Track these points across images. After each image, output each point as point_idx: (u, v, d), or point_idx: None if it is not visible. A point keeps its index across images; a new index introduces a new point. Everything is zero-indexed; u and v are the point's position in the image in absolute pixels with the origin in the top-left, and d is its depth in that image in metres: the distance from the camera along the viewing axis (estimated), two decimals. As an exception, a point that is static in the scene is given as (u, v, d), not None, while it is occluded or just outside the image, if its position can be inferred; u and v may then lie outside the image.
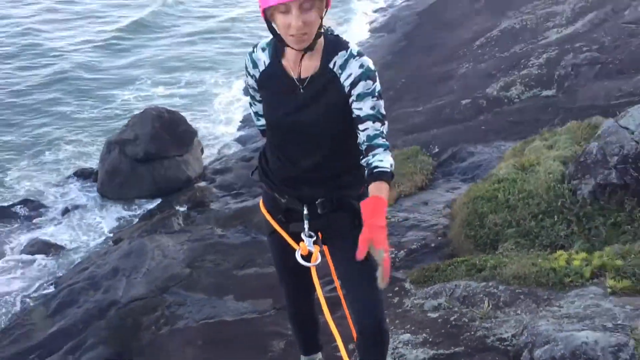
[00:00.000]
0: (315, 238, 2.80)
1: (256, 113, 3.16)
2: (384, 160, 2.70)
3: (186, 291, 8.78)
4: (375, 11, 23.90)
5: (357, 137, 2.80)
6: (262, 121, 3.16)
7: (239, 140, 15.40)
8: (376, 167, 2.68)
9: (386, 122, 2.78)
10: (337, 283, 2.76)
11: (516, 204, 7.59)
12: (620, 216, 6.96)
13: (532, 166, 8.17)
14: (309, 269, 2.84)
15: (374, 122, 2.74)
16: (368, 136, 2.73)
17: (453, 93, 13.80)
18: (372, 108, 2.74)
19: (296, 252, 2.80)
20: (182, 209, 11.87)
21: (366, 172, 2.73)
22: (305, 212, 2.87)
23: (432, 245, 8.09)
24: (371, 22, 22.46)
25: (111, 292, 9.07)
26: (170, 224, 11.10)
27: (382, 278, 2.55)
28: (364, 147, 2.76)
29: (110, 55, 21.19)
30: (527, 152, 8.78)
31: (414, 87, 15.05)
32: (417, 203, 9.29)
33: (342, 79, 2.77)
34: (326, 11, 2.71)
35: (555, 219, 7.20)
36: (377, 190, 2.64)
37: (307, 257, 2.80)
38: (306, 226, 2.85)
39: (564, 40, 14.07)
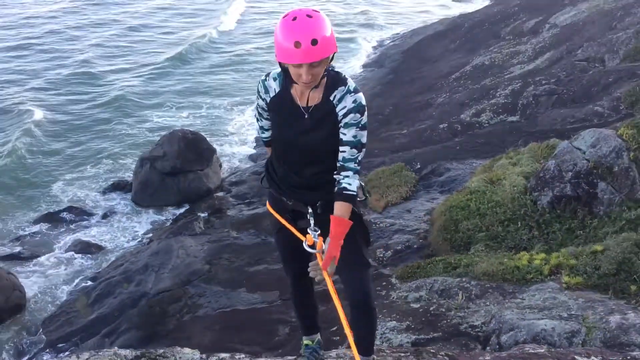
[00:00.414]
0: (319, 232, 2.84)
1: (262, 127, 3.20)
2: (352, 184, 2.82)
3: (206, 284, 8.77)
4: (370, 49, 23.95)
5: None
6: (267, 134, 3.19)
7: (251, 157, 15.41)
8: (345, 188, 2.81)
9: (363, 150, 2.85)
10: (326, 276, 2.78)
11: (486, 212, 7.59)
12: (573, 223, 6.95)
13: (499, 180, 8.17)
14: (310, 260, 2.87)
15: (351, 148, 2.82)
16: (344, 157, 2.83)
17: (432, 118, 13.81)
18: (354, 137, 2.82)
19: (303, 243, 2.84)
20: (203, 214, 11.85)
21: (335, 187, 2.84)
22: (310, 210, 2.92)
23: (415, 246, 8.12)
24: (365, 57, 22.55)
25: (142, 285, 9.06)
26: (193, 228, 11.09)
27: (316, 271, 2.79)
28: (338, 164, 2.86)
29: (149, 81, 21.25)
30: (495, 168, 8.78)
31: (399, 112, 15.06)
32: (402, 211, 9.28)
33: (337, 110, 2.83)
34: (332, 60, 2.76)
35: (519, 225, 7.19)
36: (343, 210, 2.80)
37: (312, 246, 2.85)
38: (312, 222, 2.90)
39: (527, 74, 14.10)
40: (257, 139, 16.01)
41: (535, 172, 7.86)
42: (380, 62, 21.13)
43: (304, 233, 2.92)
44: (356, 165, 2.83)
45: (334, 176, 2.86)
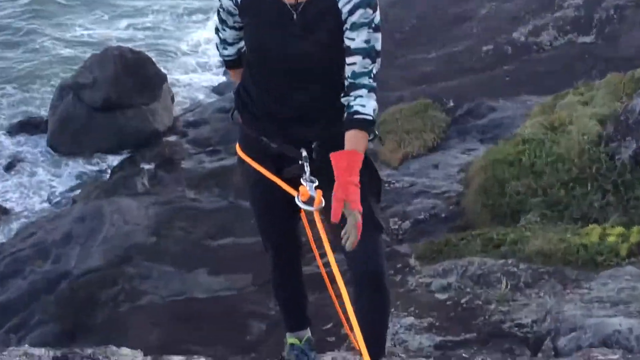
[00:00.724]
0: (317, 183, 2.82)
1: (224, 41, 3.18)
2: (366, 105, 2.77)
3: (151, 262, 8.81)
4: None
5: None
6: (230, 50, 3.19)
7: (216, 89, 15.31)
8: (357, 112, 2.75)
9: (378, 60, 2.82)
10: (324, 236, 2.76)
11: (543, 170, 7.61)
12: (665, 186, 7.00)
13: (563, 125, 8.17)
14: (299, 227, 2.88)
15: (363, 58, 2.78)
16: (353, 72, 2.79)
17: (472, 37, 13.73)
18: (366, 41, 2.78)
19: (296, 198, 2.81)
20: (148, 166, 11.85)
21: (345, 114, 2.80)
22: (305, 154, 2.90)
23: (443, 215, 8.13)
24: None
25: (62, 262, 9.10)
26: (133, 184, 11.09)
27: (352, 242, 2.66)
28: (347, 83, 2.81)
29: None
30: (558, 108, 8.78)
31: (425, 29, 14.95)
32: (427, 166, 9.30)
33: (340, 4, 2.78)
34: None
35: (589, 188, 7.23)
36: (354, 141, 2.73)
37: (307, 203, 2.82)
38: (307, 170, 2.87)
39: (607, -25, 13.99)
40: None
41: (615, 114, 7.87)
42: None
43: (295, 186, 2.90)
44: (371, 80, 2.80)
45: (342, 99, 2.83)
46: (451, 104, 10.92)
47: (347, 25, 2.79)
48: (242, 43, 3.19)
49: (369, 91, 2.79)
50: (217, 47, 3.28)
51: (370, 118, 2.77)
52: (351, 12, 2.77)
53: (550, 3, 13.65)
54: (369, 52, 2.78)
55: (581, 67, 11.05)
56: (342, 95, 2.85)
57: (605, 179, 7.28)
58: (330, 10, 2.79)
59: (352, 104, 2.78)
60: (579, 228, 6.54)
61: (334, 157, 2.72)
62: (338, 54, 2.83)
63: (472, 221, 7.67)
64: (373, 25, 2.78)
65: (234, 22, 3.04)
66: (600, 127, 7.86)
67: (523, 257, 6.11)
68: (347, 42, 2.80)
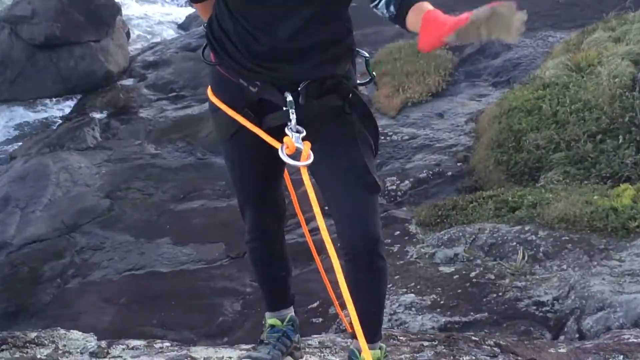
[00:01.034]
0: (304, 133, 2.80)
1: None
2: None
3: (104, 231, 8.82)
4: None
5: None
6: None
7: (182, 25, 15.23)
8: None
9: None
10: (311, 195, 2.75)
11: (567, 119, 7.62)
12: None
13: (591, 66, 8.17)
14: (281, 186, 2.87)
15: None
16: None
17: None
18: None
19: (280, 150, 2.79)
20: (100, 116, 11.79)
21: (393, 4, 2.71)
22: (290, 99, 2.87)
23: (449, 173, 8.17)
24: None
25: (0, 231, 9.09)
26: (83, 137, 11.03)
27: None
28: None
29: None
30: (585, 46, 8.76)
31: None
32: (430, 114, 9.30)
33: None
34: None
35: (621, 141, 7.25)
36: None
37: (293, 157, 2.80)
38: (293, 118, 2.85)
39: None
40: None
41: (652, 53, 7.87)
42: None
43: (278, 137, 2.88)
44: None
45: (377, 3, 2.76)
46: (459, 40, 10.88)
47: None
48: None
49: None
50: None
51: None
52: None
53: None
54: None
55: (612, -4, 11.02)
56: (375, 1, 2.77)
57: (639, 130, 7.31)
58: None
59: None
60: (608, 189, 6.57)
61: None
62: None
63: (483, 180, 7.69)
64: None
65: None
66: (634, 69, 7.87)
67: (543, 223, 6.13)
68: None
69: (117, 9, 13.73)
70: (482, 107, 9.02)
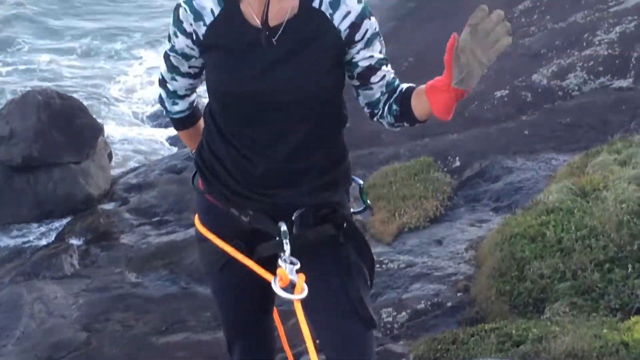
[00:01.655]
0: (298, 265, 2.83)
1: (173, 94, 3.21)
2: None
3: (81, 366, 8.73)
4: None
5: (364, 97, 3.06)
6: (180, 105, 3.24)
7: (166, 142, 15.37)
8: (409, 85, 3.04)
9: None
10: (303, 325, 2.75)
11: (573, 247, 7.62)
12: None
13: (596, 191, 8.23)
14: (271, 320, 2.89)
15: (386, 66, 3.03)
16: (387, 83, 3.03)
17: (483, 80, 13.77)
18: (381, 52, 3.02)
19: (273, 282, 2.81)
20: (78, 242, 11.78)
21: (395, 106, 2.99)
22: (284, 229, 2.91)
23: (448, 304, 8.11)
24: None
25: (-33, 366, 9.00)
26: (60, 265, 11.01)
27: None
28: (383, 98, 3.04)
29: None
30: (590, 169, 8.84)
31: (426, 69, 14.94)
32: (428, 241, 9.32)
33: (335, 21, 2.88)
34: None
35: (630, 270, 7.24)
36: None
37: (286, 290, 2.84)
38: (287, 248, 2.88)
39: (647, 7, 14.24)
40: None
41: (659, 177, 7.94)
42: (393, -21, 21.24)
43: (270, 267, 2.90)
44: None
45: (383, 110, 3.05)
46: (458, 163, 10.98)
47: (360, 45, 2.94)
48: (195, 95, 3.23)
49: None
50: (163, 103, 3.30)
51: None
52: (355, 27, 2.90)
53: (577, 39, 13.87)
54: (387, 59, 3.05)
55: (617, 118, 11.17)
56: (375, 112, 3.09)
57: (649, 258, 7.32)
58: (322, 30, 2.88)
59: (397, 93, 3.04)
60: (618, 321, 6.53)
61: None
62: (334, 83, 2.95)
63: (485, 312, 7.65)
64: (379, 32, 3.01)
65: (190, 67, 3.08)
66: (642, 193, 7.93)
67: (549, 358, 6.09)
68: (365, 62, 2.97)
69: (100, 130, 13.84)
70: (483, 234, 9.04)
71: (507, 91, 13.13)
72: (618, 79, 12.64)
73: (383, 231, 9.56)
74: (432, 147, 11.63)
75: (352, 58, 2.94)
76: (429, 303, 8.10)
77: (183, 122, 3.31)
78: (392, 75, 3.02)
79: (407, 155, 11.37)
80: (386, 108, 2.98)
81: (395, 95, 2.97)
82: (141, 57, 19.22)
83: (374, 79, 2.96)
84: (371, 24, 2.93)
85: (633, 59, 12.77)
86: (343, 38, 2.88)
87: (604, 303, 7.08)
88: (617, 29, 13.57)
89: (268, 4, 2.82)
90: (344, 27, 2.86)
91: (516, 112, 12.56)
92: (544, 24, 15.47)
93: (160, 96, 3.28)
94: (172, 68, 3.10)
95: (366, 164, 10.82)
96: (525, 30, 15.47)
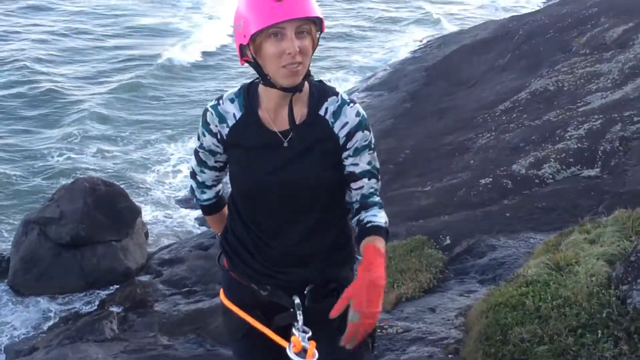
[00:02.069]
0: (309, 334, 2.86)
1: (202, 184, 3.25)
2: (378, 215, 2.96)
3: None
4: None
5: (347, 195, 3.05)
6: (208, 194, 3.27)
7: (195, 223, 15.39)
8: (370, 221, 2.93)
9: (379, 178, 3.06)
10: None
11: (549, 314, 7.56)
12: (682, 333, 6.96)
13: (569, 266, 8.19)
14: None
15: (369, 179, 2.99)
16: (362, 195, 2.99)
17: (470, 170, 13.93)
18: (369, 163, 2.98)
19: (287, 349, 2.83)
20: (118, 309, 11.74)
21: (357, 229, 2.95)
22: (297, 301, 2.95)
23: (441, 365, 8.06)
24: (368, 78, 22.87)
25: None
26: (101, 329, 10.96)
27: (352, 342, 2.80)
28: (356, 205, 2.99)
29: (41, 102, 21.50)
30: (564, 247, 8.81)
31: (420, 160, 15.19)
32: (423, 309, 9.25)
33: (336, 129, 2.93)
34: (315, 48, 2.86)
35: (600, 335, 7.17)
36: (376, 244, 2.86)
37: (299, 354, 2.86)
38: (300, 319, 2.92)
39: (611, 107, 14.32)
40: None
41: (624, 254, 7.91)
42: (392, 83, 21.47)
43: (285, 334, 2.91)
44: (379, 198, 3.02)
45: (354, 219, 2.99)
46: (448, 241, 10.96)
47: (349, 152, 2.95)
48: (220, 186, 3.27)
49: (379, 208, 2.99)
50: (194, 193, 3.33)
51: (384, 226, 2.93)
52: (350, 136, 2.93)
53: (551, 134, 13.94)
54: (373, 173, 2.99)
55: (586, 203, 11.16)
56: (350, 217, 3.02)
57: (617, 325, 7.23)
58: (325, 135, 2.92)
59: (363, 217, 2.95)
60: (590, 380, 6.47)
61: (369, 249, 2.84)
62: (336, 179, 2.96)
63: (474, 372, 7.58)
64: (372, 146, 2.98)
65: (216, 162, 3.12)
66: (609, 268, 7.87)
67: (530, 413, 6.01)
68: (350, 168, 2.97)
69: (138, 212, 13.92)
70: (471, 303, 8.98)
71: (490, 179, 13.15)
72: (587, 169, 12.67)
73: (384, 300, 9.49)
74: (426, 227, 11.61)
75: (343, 161, 2.97)
76: (424, 364, 8.05)
77: (210, 209, 3.34)
78: (371, 190, 2.99)
79: (405, 234, 11.36)
80: (355, 219, 3.01)
81: (361, 218, 2.97)
82: (172, 149, 19.35)
83: (353, 185, 2.98)
84: (363, 136, 2.94)
85: (599, 152, 12.82)
86: (340, 143, 2.92)
87: (577, 364, 7.01)
88: (585, 126, 13.65)
89: (291, 110, 2.88)
90: (342, 134, 2.91)
91: (499, 197, 12.57)
92: (521, 121, 15.57)
93: (191, 187, 3.34)
94: (200, 162, 3.15)
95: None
96: (506, 126, 15.57)
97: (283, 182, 2.94)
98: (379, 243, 2.86)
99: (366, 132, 2.96)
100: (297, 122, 2.91)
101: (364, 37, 28.21)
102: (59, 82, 23.18)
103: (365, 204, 2.98)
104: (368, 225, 2.92)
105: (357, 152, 2.94)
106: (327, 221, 2.98)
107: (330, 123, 2.92)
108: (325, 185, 2.95)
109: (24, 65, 24.15)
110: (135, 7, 32.34)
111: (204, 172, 3.17)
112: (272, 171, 2.94)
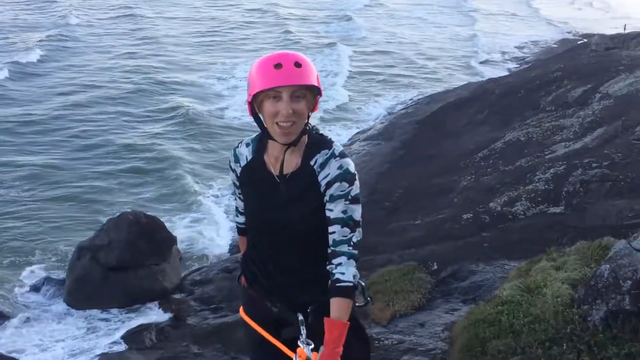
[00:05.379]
0: (312, 345, 2.86)
1: (236, 209, 3.32)
2: (346, 272, 2.84)
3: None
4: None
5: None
6: (240, 218, 3.31)
7: (222, 249, 15.38)
8: (338, 280, 2.84)
9: (358, 230, 2.91)
10: None
11: (521, 329, 7.50)
12: (635, 346, 6.88)
13: (538, 288, 8.14)
14: None
15: (342, 227, 2.88)
16: (334, 240, 2.88)
17: (454, 207, 13.91)
18: (344, 212, 2.89)
19: (294, 358, 2.84)
20: (156, 322, 11.70)
21: (329, 282, 2.87)
22: (301, 318, 2.95)
23: (430, 372, 7.99)
24: (367, 130, 22.94)
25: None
26: (142, 339, 10.93)
27: None
28: (329, 251, 2.90)
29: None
30: (533, 272, 8.77)
31: (412, 199, 15.18)
32: (414, 324, 9.20)
33: (320, 178, 2.93)
34: (313, 110, 2.89)
35: (565, 347, 7.10)
36: (340, 310, 2.79)
37: None
38: (304, 333, 2.92)
39: (573, 154, 14.34)
40: (231, 228, 16.07)
41: (585, 279, 7.86)
42: (388, 134, 21.50)
43: (291, 347, 2.92)
44: (350, 248, 2.88)
45: (327, 267, 2.90)
46: (435, 266, 10.92)
47: (327, 198, 2.90)
48: None
49: (348, 258, 2.86)
50: (235, 213, 3.39)
51: (351, 284, 2.83)
52: (328, 185, 2.90)
53: (522, 177, 13.94)
54: (346, 222, 2.87)
55: (552, 235, 11.12)
56: (326, 263, 2.91)
57: (579, 339, 7.17)
58: (311, 182, 2.93)
59: (333, 271, 2.85)
60: (556, 387, 6.40)
61: (329, 323, 2.77)
62: (320, 222, 2.93)
63: (457, 378, 7.51)
64: (350, 197, 2.89)
65: (239, 194, 3.17)
66: (572, 291, 7.82)
67: (505, 414, 5.94)
68: (327, 213, 2.90)
69: (174, 241, 13.94)
70: (455, 319, 8.93)
71: (471, 214, 13.13)
72: (553, 207, 12.65)
73: (380, 316, 9.46)
74: (416, 255, 11.58)
75: (323, 205, 2.93)
76: (415, 371, 7.99)
77: (240, 231, 3.39)
78: (342, 238, 2.86)
79: (398, 261, 11.32)
80: (327, 266, 2.91)
81: (330, 269, 2.88)
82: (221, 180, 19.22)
83: (329, 228, 2.91)
84: (340, 186, 2.88)
85: (563, 192, 12.80)
86: (321, 191, 2.91)
87: (546, 372, 6.95)
88: (551, 170, 13.65)
89: (283, 158, 2.92)
90: (323, 183, 2.90)
91: (478, 230, 12.54)
92: (497, 166, 15.58)
93: (235, 207, 3.41)
94: (235, 192, 3.22)
95: (367, 267, 10.77)
96: (484, 171, 15.58)
97: (276, 221, 2.97)
98: (344, 309, 2.81)
99: (344, 183, 2.89)
100: (291, 170, 2.94)
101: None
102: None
103: (334, 252, 2.88)
104: (337, 285, 2.84)
105: (333, 199, 2.89)
106: (317, 255, 2.97)
107: (317, 173, 2.92)
108: (311, 226, 2.95)
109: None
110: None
111: (237, 199, 3.24)
112: (269, 211, 2.98)
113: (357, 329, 3.00)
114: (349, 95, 26.52)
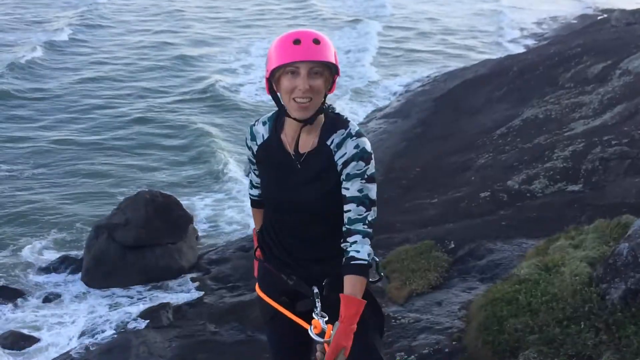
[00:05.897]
0: (327, 318, 2.88)
1: (251, 182, 3.40)
2: (361, 250, 2.87)
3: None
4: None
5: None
6: (254, 192, 3.35)
7: (239, 227, 15.42)
8: (353, 257, 2.85)
9: (373, 209, 2.93)
10: None
11: (539, 308, 7.50)
12: (654, 325, 6.87)
13: (556, 267, 8.12)
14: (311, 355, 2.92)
15: (357, 206, 2.90)
16: (349, 219, 2.91)
17: (471, 185, 13.87)
18: (360, 191, 2.91)
19: (309, 330, 2.86)
20: (173, 301, 11.77)
21: (343, 259, 2.88)
22: (316, 291, 2.98)
23: (446, 350, 7.96)
24: (384, 107, 22.83)
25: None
26: (159, 318, 11.00)
27: None
28: (344, 229, 2.93)
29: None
30: (551, 251, 8.74)
31: (428, 177, 15.14)
32: (431, 303, 9.20)
33: (336, 157, 2.95)
34: (330, 90, 2.91)
35: (582, 326, 7.09)
36: (355, 287, 2.80)
37: (320, 334, 2.89)
38: (319, 305, 2.94)
39: (592, 132, 14.23)
40: (248, 207, 16.10)
41: (603, 257, 7.82)
42: (405, 112, 21.41)
43: (306, 319, 2.93)
44: (365, 227, 2.90)
45: (341, 245, 2.92)
46: (452, 245, 10.90)
47: (343, 176, 2.93)
48: None
49: (363, 237, 2.88)
50: (249, 185, 3.41)
51: (366, 262, 2.84)
52: (345, 164, 2.92)
53: (540, 155, 13.86)
54: (362, 200, 2.89)
55: (571, 213, 11.08)
56: (341, 240, 2.93)
57: (597, 317, 7.16)
58: (328, 161, 2.95)
59: (348, 249, 2.87)
60: (574, 365, 6.40)
61: (345, 300, 2.78)
62: (336, 202, 2.95)
63: (474, 356, 7.50)
64: (366, 177, 2.91)
65: (255, 170, 3.19)
66: (590, 269, 7.79)
67: (522, 392, 5.94)
68: (343, 191, 2.92)
69: (190, 219, 14.00)
70: (472, 298, 8.93)
71: (489, 193, 13.08)
72: (571, 185, 12.59)
73: (397, 295, 9.47)
74: (433, 233, 11.56)
75: (340, 184, 2.96)
76: (432, 349, 7.96)
77: (254, 203, 3.44)
78: (357, 217, 2.88)
79: (415, 239, 11.31)
80: (342, 244, 2.92)
81: (345, 248, 2.89)
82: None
83: (345, 207, 2.92)
84: (357, 165, 2.90)
85: (582, 170, 12.73)
86: (338, 170, 2.93)
87: (563, 351, 6.92)
88: (570, 148, 13.56)
89: (299, 137, 2.95)
90: (340, 162, 2.91)
91: (496, 208, 12.50)
92: (515, 144, 15.50)
93: (250, 180, 3.44)
94: (250, 165, 3.24)
95: (384, 245, 10.78)
96: (502, 148, 15.50)
97: (293, 199, 3.00)
98: (358, 287, 2.81)
99: (361, 162, 2.91)
100: (308, 150, 2.97)
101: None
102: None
103: (349, 230, 2.90)
104: (352, 262, 2.85)
105: (349, 178, 2.90)
106: (334, 230, 2.97)
107: (333, 152, 2.95)
108: (327, 205, 2.97)
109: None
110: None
111: (252, 174, 3.26)
112: (286, 190, 3.01)
113: (371, 302, 3.00)
114: (376, 71, 26.29)
